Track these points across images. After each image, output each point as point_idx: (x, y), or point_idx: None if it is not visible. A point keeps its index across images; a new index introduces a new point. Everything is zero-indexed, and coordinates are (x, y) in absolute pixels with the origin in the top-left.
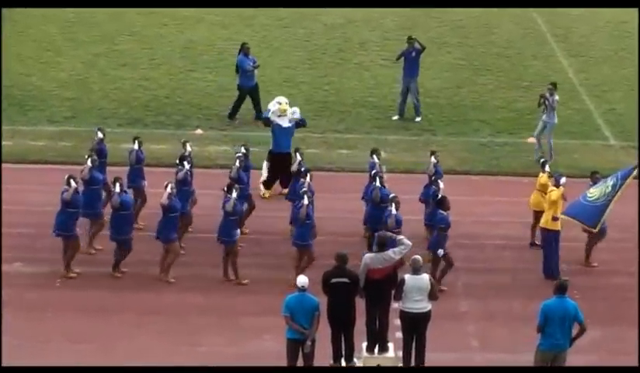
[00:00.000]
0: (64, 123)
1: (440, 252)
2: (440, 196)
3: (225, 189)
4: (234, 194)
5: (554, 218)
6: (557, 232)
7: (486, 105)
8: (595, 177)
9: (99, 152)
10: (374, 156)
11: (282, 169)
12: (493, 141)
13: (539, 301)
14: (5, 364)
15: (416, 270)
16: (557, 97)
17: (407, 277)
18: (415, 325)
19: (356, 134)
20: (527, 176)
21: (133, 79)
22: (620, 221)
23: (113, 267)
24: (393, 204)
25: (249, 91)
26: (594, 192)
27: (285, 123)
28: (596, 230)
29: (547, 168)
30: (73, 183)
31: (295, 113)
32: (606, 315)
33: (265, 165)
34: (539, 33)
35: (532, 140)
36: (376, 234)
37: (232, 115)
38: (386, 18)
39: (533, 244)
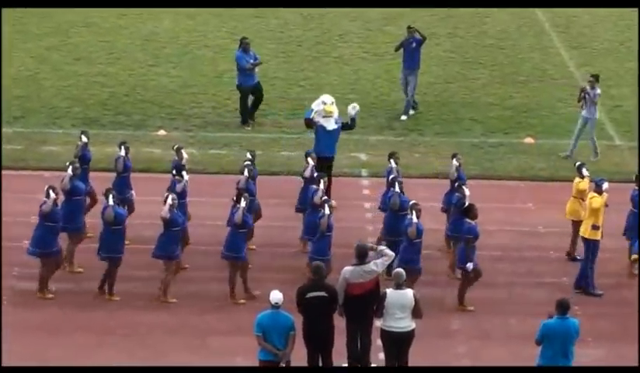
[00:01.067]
0: (13, 123)
1: (470, 266)
2: (466, 203)
3: (234, 198)
4: (244, 204)
5: (595, 227)
6: (597, 242)
7: (478, 102)
8: None
9: (82, 159)
10: (392, 161)
11: (329, 174)
12: (486, 142)
13: (538, 317)
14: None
15: (399, 285)
16: (599, 90)
17: (389, 291)
18: (398, 346)
19: None
20: (524, 179)
21: (88, 75)
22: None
23: (105, 289)
24: (414, 212)
25: (251, 90)
26: None
27: (331, 125)
28: None
29: (585, 172)
30: (52, 194)
31: (355, 107)
32: (610, 331)
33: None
34: (537, 23)
35: (530, 140)
36: (355, 244)
37: (245, 120)
38: (368, 7)
39: (574, 259)
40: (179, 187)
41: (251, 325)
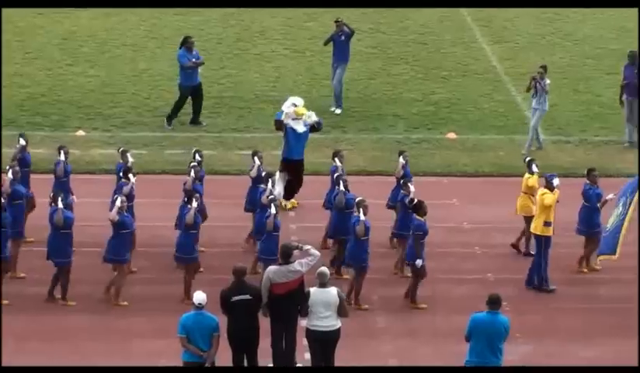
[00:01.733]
0: None
1: (419, 262)
2: (415, 200)
3: (185, 199)
4: (195, 204)
5: (547, 223)
6: (548, 238)
7: (401, 98)
8: (592, 175)
9: (22, 161)
10: (336, 159)
11: (295, 177)
12: (409, 138)
13: (463, 314)
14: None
15: (323, 284)
16: (548, 80)
17: (312, 290)
18: (323, 345)
19: (257, 133)
20: (448, 175)
21: (4, 75)
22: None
23: (55, 295)
24: (361, 209)
25: (191, 90)
26: (610, 220)
27: (300, 127)
28: (616, 256)
29: (534, 168)
30: (2, 199)
31: (311, 116)
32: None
33: (278, 175)
34: (458, 18)
35: (453, 135)
36: (281, 244)
37: (171, 118)
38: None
39: (527, 254)
40: (125, 190)
41: (175, 327)
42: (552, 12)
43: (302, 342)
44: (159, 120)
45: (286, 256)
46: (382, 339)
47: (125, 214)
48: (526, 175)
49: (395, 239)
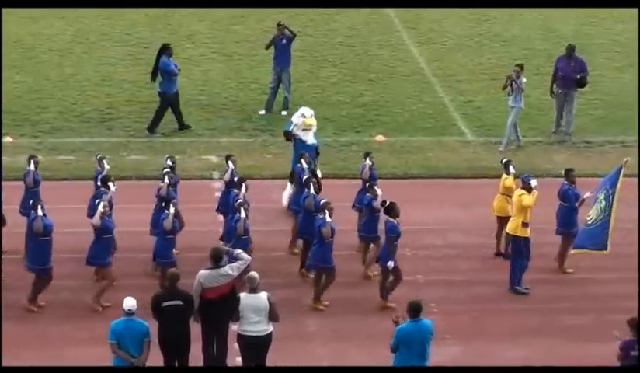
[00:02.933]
0: None
1: (391, 264)
2: (387, 202)
3: (161, 205)
4: (172, 210)
5: (525, 224)
6: (527, 240)
7: (329, 100)
8: (571, 175)
9: None
10: (302, 161)
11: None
12: (338, 141)
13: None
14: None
15: (252, 289)
16: (524, 79)
17: (242, 295)
18: (255, 350)
19: (185, 137)
20: (378, 178)
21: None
22: (473, 226)
23: (30, 300)
24: (326, 211)
25: (173, 97)
26: (591, 214)
27: (310, 139)
28: (608, 251)
29: (511, 168)
30: None
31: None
32: (467, 328)
33: (289, 185)
34: (386, 20)
35: (381, 138)
36: (210, 248)
37: (153, 127)
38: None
39: (499, 254)
40: (105, 198)
41: (106, 334)
42: (480, 12)
43: (233, 346)
44: (87, 125)
45: (217, 260)
46: (314, 342)
47: (107, 218)
48: (504, 175)
49: (361, 241)
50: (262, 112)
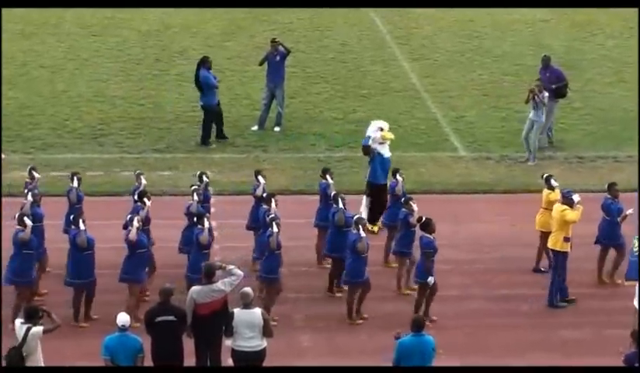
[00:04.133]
0: None
1: (431, 280)
2: (423, 218)
3: (194, 221)
4: (207, 224)
5: (567, 239)
6: (566, 254)
7: (322, 116)
8: (613, 189)
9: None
10: (327, 176)
11: (380, 201)
12: (331, 157)
13: (388, 331)
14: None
15: (247, 305)
16: (547, 93)
17: (236, 311)
18: (248, 366)
19: (177, 153)
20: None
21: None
22: (465, 241)
23: (75, 317)
24: (360, 226)
25: (216, 109)
26: (635, 243)
27: (387, 152)
28: None
29: (553, 182)
30: (29, 222)
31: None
32: (461, 344)
33: (365, 200)
34: (377, 35)
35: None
36: (203, 264)
37: (205, 140)
38: (207, 23)
39: (537, 270)
40: (142, 214)
41: (99, 350)
42: (471, 28)
43: (227, 362)
44: (79, 141)
45: (210, 276)
46: (308, 357)
47: (142, 234)
48: (546, 190)
49: (396, 257)
50: (255, 128)
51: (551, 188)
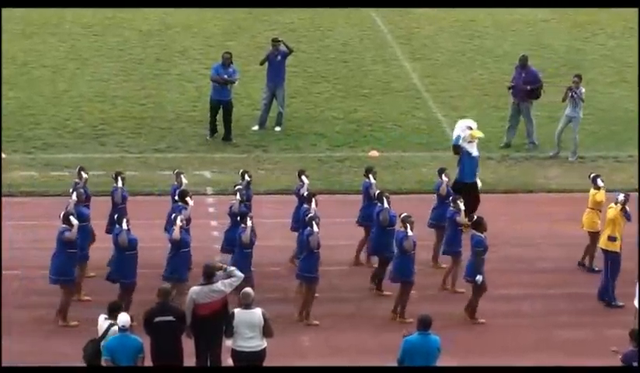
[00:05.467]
0: None
1: (479, 278)
2: (475, 217)
3: (239, 218)
4: (250, 223)
5: (610, 238)
6: (614, 254)
7: (322, 116)
8: None
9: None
10: (370, 176)
11: (468, 200)
12: (332, 156)
13: (390, 331)
14: None
15: (247, 305)
16: (583, 89)
17: (237, 311)
18: (249, 366)
19: (178, 153)
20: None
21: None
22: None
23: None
24: (407, 225)
25: (222, 105)
26: None
27: (475, 150)
28: None
29: (600, 182)
30: (75, 221)
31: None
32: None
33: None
34: (379, 35)
35: (375, 153)
36: (204, 264)
37: (211, 131)
38: (208, 23)
39: (591, 270)
40: (186, 214)
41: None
42: (472, 28)
43: (227, 362)
44: (80, 141)
45: (209, 276)
46: (309, 358)
47: (184, 232)
48: (592, 190)
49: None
50: (256, 128)
51: (598, 188)
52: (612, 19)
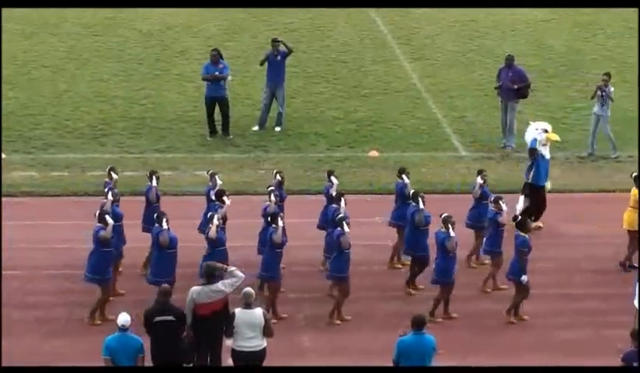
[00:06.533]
0: None
1: (524, 278)
2: (519, 217)
3: (269, 219)
4: (281, 223)
5: None
6: None
7: (322, 116)
8: None
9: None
10: (404, 176)
11: (538, 201)
12: (331, 156)
13: (390, 331)
14: None
15: (248, 305)
16: (612, 88)
17: (237, 311)
18: (249, 365)
19: (178, 153)
20: (371, 193)
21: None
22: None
23: None
24: (449, 225)
25: (216, 102)
26: None
27: (547, 153)
28: None
29: None
30: (110, 220)
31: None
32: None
33: (522, 199)
34: (379, 35)
35: (375, 153)
36: (203, 264)
37: (211, 131)
38: (208, 23)
39: (631, 266)
40: (222, 212)
41: (99, 350)
42: (472, 28)
43: (227, 362)
44: (80, 141)
45: (210, 276)
46: (308, 358)
47: (221, 231)
48: (634, 189)
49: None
50: (256, 128)
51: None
52: (612, 19)
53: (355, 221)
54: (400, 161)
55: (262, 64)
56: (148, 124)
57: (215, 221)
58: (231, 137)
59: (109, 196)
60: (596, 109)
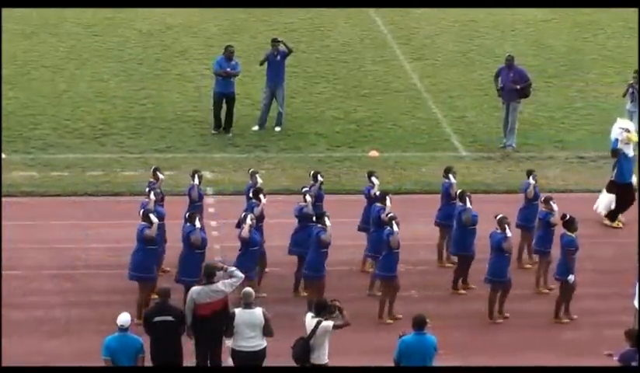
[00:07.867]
0: None
1: (571, 278)
2: (567, 216)
3: (315, 219)
4: (328, 222)
5: None
6: None
7: (322, 116)
8: None
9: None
10: (450, 176)
11: (625, 199)
12: (331, 156)
13: (389, 331)
14: None
15: (248, 304)
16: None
17: (237, 311)
18: (249, 365)
19: (178, 153)
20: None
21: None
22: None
23: None
24: (506, 226)
25: (225, 98)
26: None
27: (631, 151)
28: None
29: None
30: (155, 219)
31: None
32: (462, 344)
33: (604, 197)
34: (379, 35)
35: (375, 153)
36: (203, 264)
37: (216, 126)
38: (208, 23)
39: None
40: (257, 211)
41: (98, 350)
42: (472, 29)
43: (227, 362)
44: (80, 141)
45: (210, 276)
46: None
47: (255, 231)
48: None
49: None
50: (256, 128)
51: None
52: (612, 19)
53: (354, 222)
54: (400, 161)
55: (261, 64)
56: (148, 124)
57: (248, 220)
58: (231, 135)
59: (152, 196)
60: (628, 106)
